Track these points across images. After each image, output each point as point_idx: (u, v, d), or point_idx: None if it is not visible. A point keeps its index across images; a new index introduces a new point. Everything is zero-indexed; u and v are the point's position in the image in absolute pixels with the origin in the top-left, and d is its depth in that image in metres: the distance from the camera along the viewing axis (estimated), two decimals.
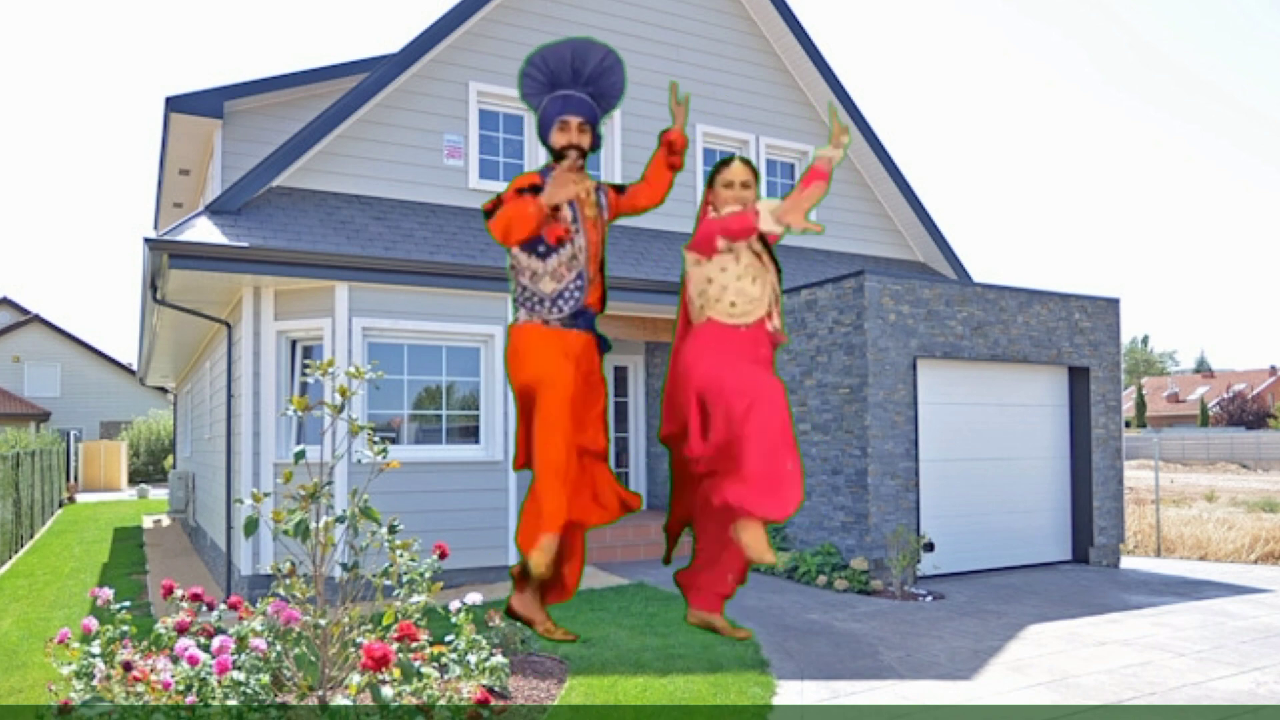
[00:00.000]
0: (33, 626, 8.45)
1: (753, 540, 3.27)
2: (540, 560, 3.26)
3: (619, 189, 3.56)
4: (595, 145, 3.47)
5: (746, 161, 3.49)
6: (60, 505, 24.23)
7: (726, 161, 3.48)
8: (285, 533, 4.33)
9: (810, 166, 3.44)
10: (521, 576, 3.37)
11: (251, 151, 11.39)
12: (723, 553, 3.42)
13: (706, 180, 3.51)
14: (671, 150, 3.53)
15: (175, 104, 11.71)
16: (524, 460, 3.36)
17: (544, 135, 3.45)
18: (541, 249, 3.29)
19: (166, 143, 13.03)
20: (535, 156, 11.74)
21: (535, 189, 3.26)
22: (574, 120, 3.40)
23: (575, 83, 3.45)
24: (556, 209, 3.27)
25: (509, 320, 3.48)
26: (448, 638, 5.17)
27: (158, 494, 28.15)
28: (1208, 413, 62.97)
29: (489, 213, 3.28)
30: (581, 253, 3.33)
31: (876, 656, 6.75)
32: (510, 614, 3.44)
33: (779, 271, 3.44)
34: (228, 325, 10.65)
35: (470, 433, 10.30)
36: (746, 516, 3.26)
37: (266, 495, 4.55)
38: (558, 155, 3.41)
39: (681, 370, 3.42)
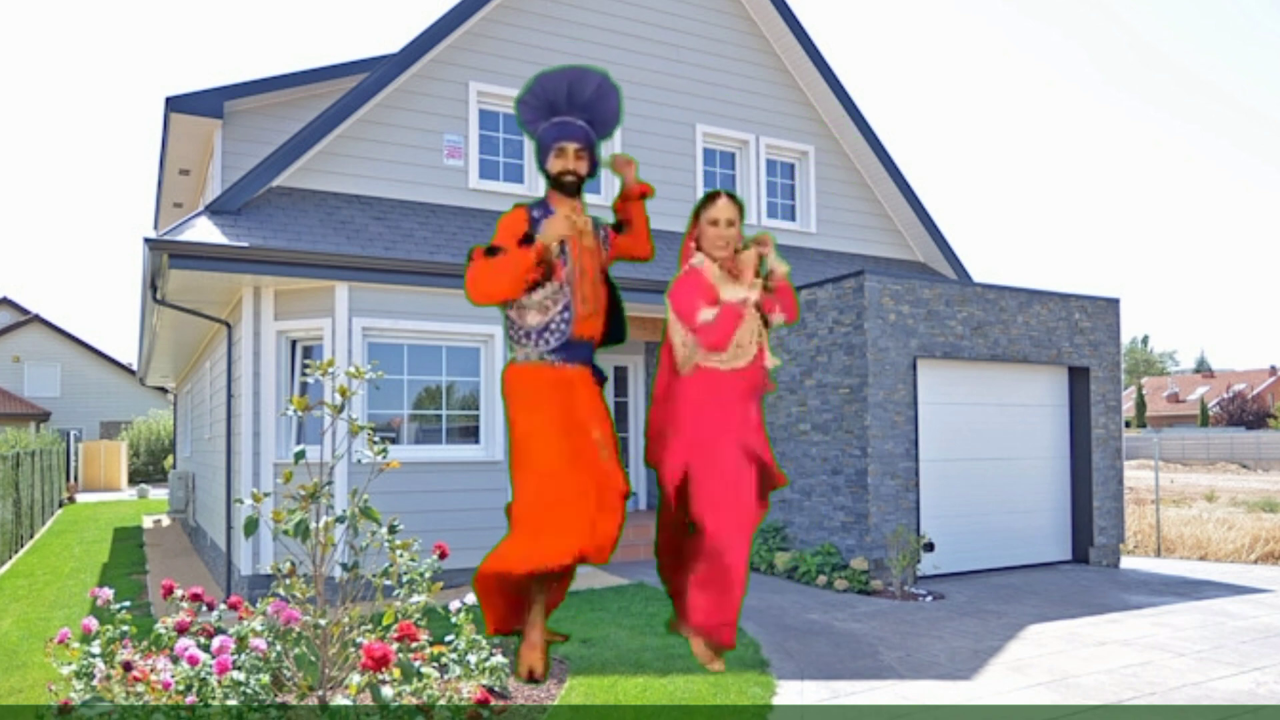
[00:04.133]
0: (33, 626, 8.44)
1: (699, 650, 3.39)
2: (539, 667, 3.31)
3: (616, 228, 3.56)
4: (593, 171, 3.47)
5: (733, 196, 3.45)
6: (60, 505, 24.23)
7: (713, 197, 3.44)
8: (285, 533, 4.33)
9: (776, 289, 3.42)
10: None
11: (251, 151, 11.39)
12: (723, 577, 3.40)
13: (692, 213, 3.47)
14: (630, 196, 3.58)
15: (175, 104, 11.71)
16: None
17: (542, 162, 3.45)
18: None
19: (166, 143, 13.03)
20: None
21: (528, 238, 3.22)
22: (571, 146, 3.40)
23: (572, 109, 3.45)
24: (551, 249, 3.25)
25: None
26: (448, 638, 5.17)
27: (158, 494, 28.15)
28: (1208, 413, 62.95)
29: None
30: (568, 285, 3.29)
31: (876, 656, 6.75)
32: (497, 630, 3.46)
33: (765, 320, 3.42)
34: (228, 325, 10.65)
35: (470, 433, 10.30)
36: (699, 632, 3.36)
37: (266, 495, 4.54)
38: (555, 181, 3.41)
39: (670, 419, 3.39)
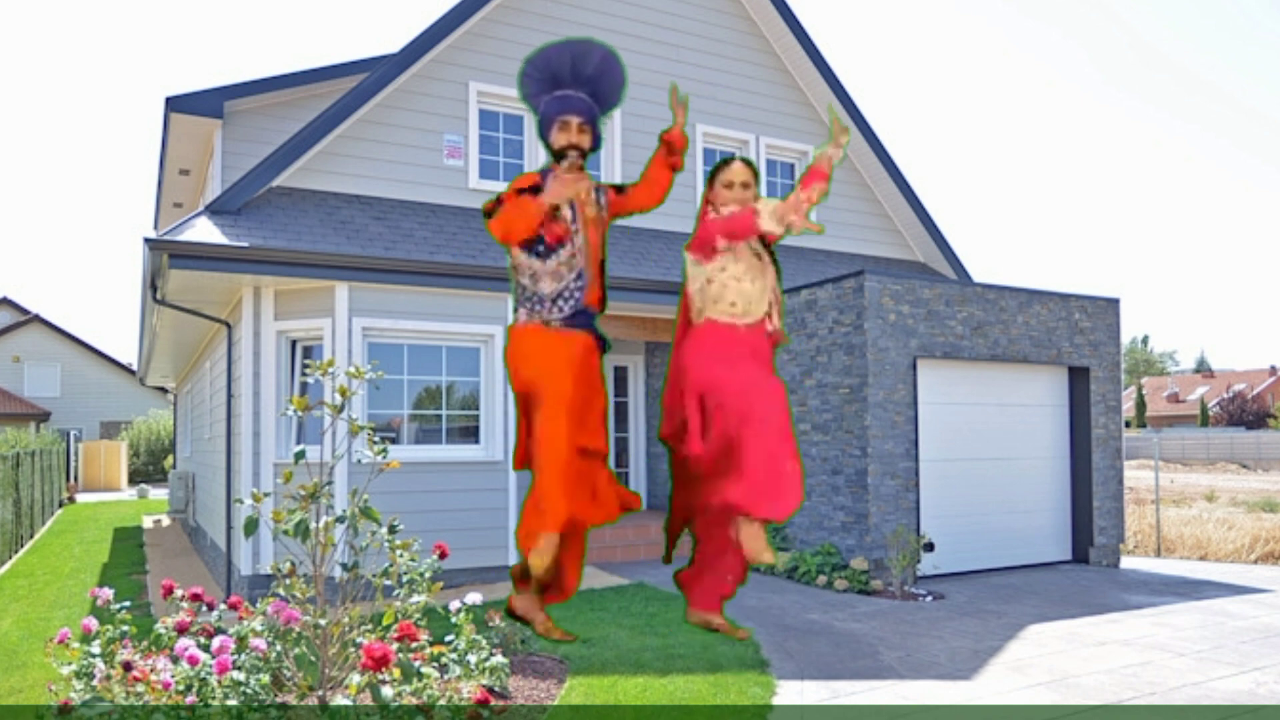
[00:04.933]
0: (33, 626, 8.45)
1: (751, 541, 3.28)
2: (539, 562, 3.25)
3: (618, 189, 3.55)
4: (595, 145, 3.47)
5: (747, 161, 3.47)
6: (60, 505, 24.23)
7: (727, 161, 3.47)
8: (285, 533, 4.33)
9: (810, 166, 3.43)
10: (521, 577, 3.37)
11: (251, 151, 11.39)
12: (723, 553, 3.42)
13: (706, 180, 3.50)
14: (671, 150, 3.52)
15: (175, 104, 11.71)
16: (524, 460, 3.37)
17: (544, 135, 3.44)
18: (541, 249, 3.30)
19: (166, 143, 13.03)
20: (535, 156, 11.74)
21: (536, 189, 3.27)
22: (574, 120, 3.39)
23: (575, 83, 3.44)
24: (556, 209, 3.27)
25: (509, 320, 3.47)
26: (448, 638, 5.17)
27: (158, 494, 28.15)
28: (1208, 413, 62.95)
29: (489, 213, 3.30)
30: (581, 253, 3.32)
31: (876, 656, 6.75)
32: (510, 614, 3.45)
33: (778, 272, 3.45)
34: (228, 325, 10.65)
35: (470, 433, 10.30)
36: (746, 517, 3.25)
37: (266, 495, 4.54)
38: (558, 155, 3.41)
39: (681, 369, 3.42)
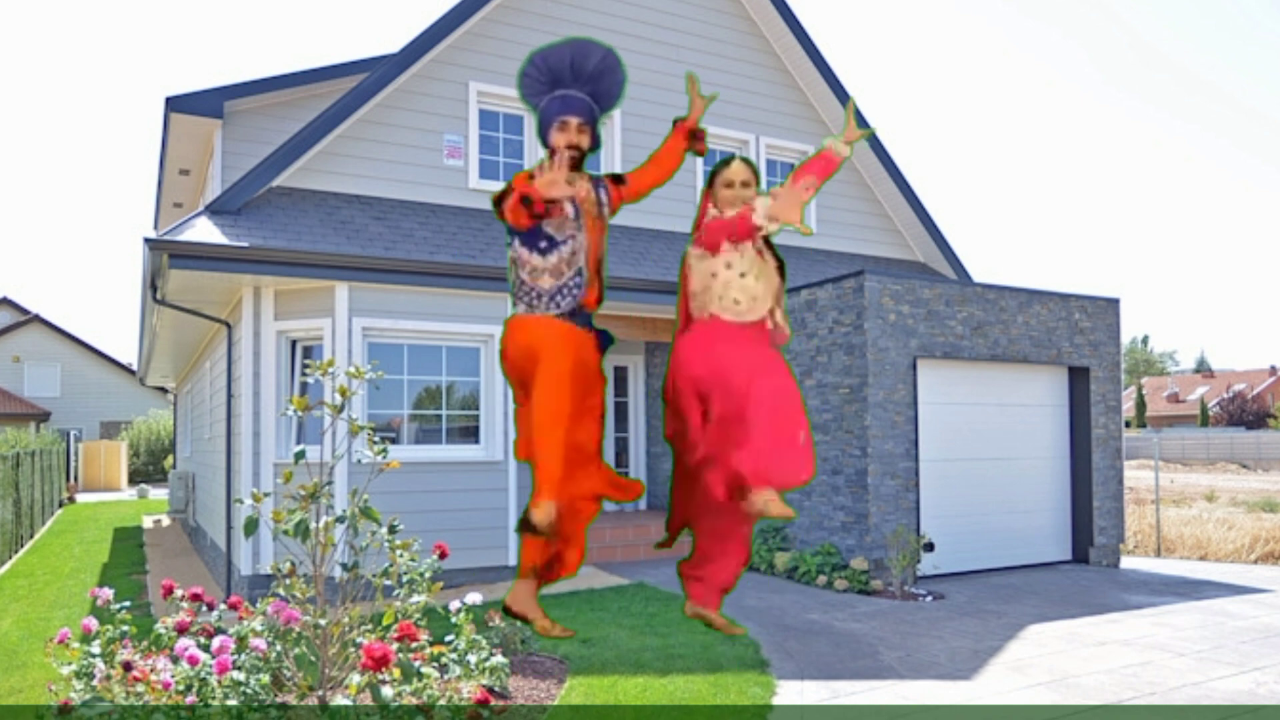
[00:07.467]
0: (33, 626, 8.45)
1: (764, 501, 3.16)
2: (543, 515, 3.13)
3: (617, 179, 3.54)
4: (595, 145, 3.46)
5: (747, 161, 3.48)
6: (60, 505, 24.22)
7: (727, 161, 3.47)
8: (285, 533, 4.33)
9: (814, 156, 3.42)
10: (526, 529, 3.25)
11: (251, 151, 11.39)
12: (722, 547, 3.42)
13: (706, 179, 3.51)
14: (695, 138, 3.53)
15: (175, 104, 11.72)
16: (526, 449, 3.28)
17: (543, 135, 3.43)
18: (543, 244, 3.28)
19: (166, 143, 13.03)
20: (535, 156, 11.74)
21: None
22: (573, 120, 3.38)
23: (575, 83, 3.43)
24: (552, 202, 3.25)
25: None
26: (448, 638, 5.17)
27: (158, 494, 28.15)
28: (1208, 413, 62.94)
29: (499, 201, 3.24)
30: (582, 250, 3.32)
31: (876, 656, 6.75)
32: (508, 612, 3.43)
33: (782, 268, 3.44)
34: (228, 325, 10.65)
35: (470, 433, 10.30)
36: (757, 485, 3.16)
37: (266, 495, 4.54)
38: (555, 155, 3.40)
39: (680, 364, 3.41)
